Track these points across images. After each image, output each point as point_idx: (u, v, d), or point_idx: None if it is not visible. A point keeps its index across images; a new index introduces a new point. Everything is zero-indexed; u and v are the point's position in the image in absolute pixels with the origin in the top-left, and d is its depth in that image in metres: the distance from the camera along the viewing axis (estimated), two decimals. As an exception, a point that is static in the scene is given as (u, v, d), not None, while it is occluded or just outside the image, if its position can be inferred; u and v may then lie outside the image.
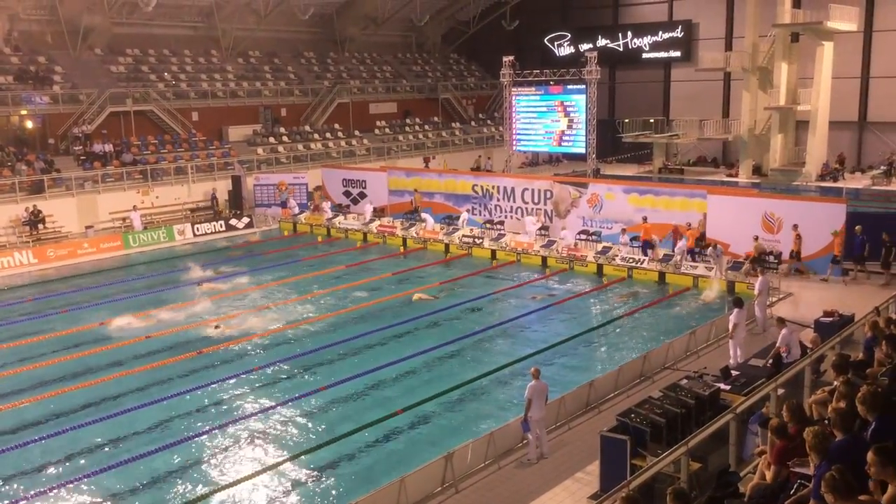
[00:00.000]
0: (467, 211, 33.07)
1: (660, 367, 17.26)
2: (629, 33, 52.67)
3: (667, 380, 15.65)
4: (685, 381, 13.39)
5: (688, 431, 11.38)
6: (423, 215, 33.26)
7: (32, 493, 12.88)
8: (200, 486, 13.06)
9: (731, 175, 43.62)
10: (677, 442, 10.41)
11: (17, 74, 37.40)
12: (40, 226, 32.65)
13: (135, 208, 34.26)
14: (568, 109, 38.26)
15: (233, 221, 36.07)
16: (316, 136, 46.35)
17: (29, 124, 37.62)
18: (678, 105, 50.84)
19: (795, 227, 24.98)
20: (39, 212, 32.79)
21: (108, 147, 37.45)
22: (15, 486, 13.26)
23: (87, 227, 33.86)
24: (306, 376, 17.91)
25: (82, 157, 36.45)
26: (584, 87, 37.66)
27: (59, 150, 37.24)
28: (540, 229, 29.83)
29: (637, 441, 11.63)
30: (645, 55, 52.20)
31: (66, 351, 19.79)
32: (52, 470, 13.75)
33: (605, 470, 11.89)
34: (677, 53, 50.84)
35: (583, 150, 38.64)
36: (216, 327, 21.03)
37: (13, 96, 36.22)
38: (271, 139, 44.40)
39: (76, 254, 31.08)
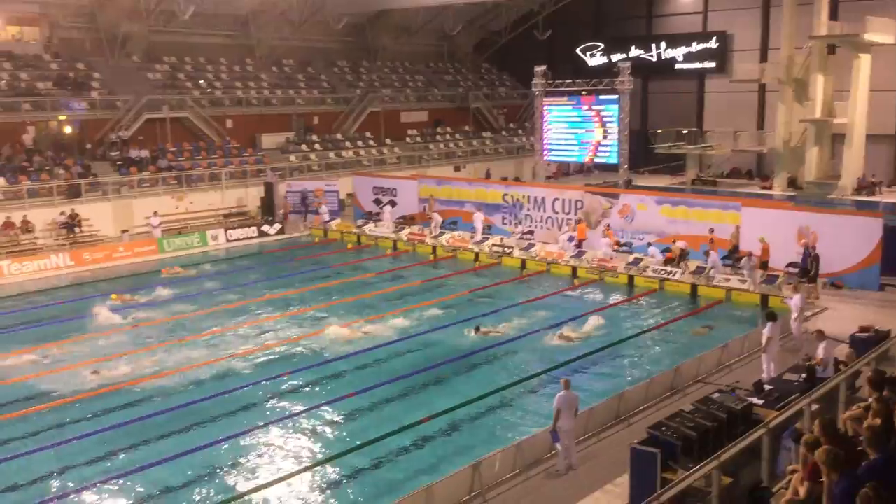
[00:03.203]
0: (480, 211, 32.92)
1: (691, 381, 17.08)
2: (663, 44, 52.41)
3: (698, 393, 15.46)
4: (717, 394, 13.24)
5: (719, 446, 11.23)
6: (433, 214, 33.83)
7: (73, 486, 13.12)
8: (226, 490, 13.16)
9: (765, 187, 43.17)
10: (708, 456, 10.29)
11: (57, 80, 38.15)
12: (77, 229, 33.20)
13: (155, 214, 34.51)
14: (605, 119, 38.11)
15: (265, 227, 36.39)
16: (347, 144, 46.67)
17: (67, 129, 38.32)
18: (712, 116, 50.45)
19: (762, 239, 24.96)
20: (76, 215, 33.34)
21: (145, 153, 38.03)
22: (61, 479, 13.51)
23: (123, 231, 34.35)
24: (334, 382, 17.96)
25: (119, 163, 37.03)
26: (616, 97, 37.52)
27: (96, 155, 37.86)
28: (574, 243, 29.46)
29: (667, 454, 11.50)
30: (678, 66, 51.90)
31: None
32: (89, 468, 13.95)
33: (635, 483, 11.77)
34: (711, 64, 50.48)
35: (614, 161, 38.46)
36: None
37: (52, 102, 36.94)
38: (303, 147, 44.77)
39: (112, 257, 31.53)
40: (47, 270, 29.72)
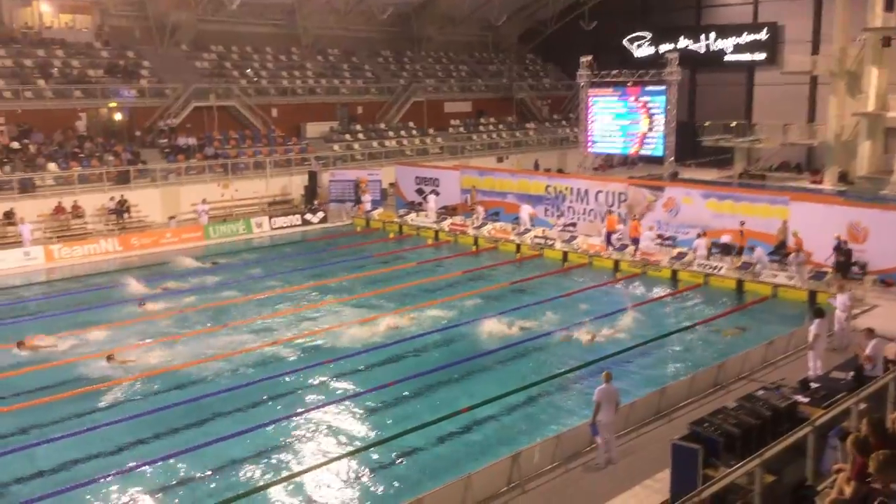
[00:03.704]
0: (528, 205, 32.93)
1: (735, 377, 16.85)
2: (712, 35, 51.57)
3: (742, 390, 15.25)
4: (762, 391, 13.02)
5: (763, 443, 11.05)
6: (477, 206, 34.00)
7: (115, 471, 13.39)
8: (264, 475, 13.32)
9: (815, 182, 42.26)
10: (751, 454, 10.13)
11: (107, 68, 38.87)
12: (125, 215, 33.87)
13: (204, 201, 35.03)
14: (651, 111, 37.64)
15: (308, 216, 36.71)
16: (391, 133, 46.81)
17: (117, 117, 39.04)
18: (761, 109, 49.53)
19: (742, 223, 25.90)
20: (125, 201, 34.00)
21: (192, 140, 38.61)
22: (113, 458, 13.83)
23: (170, 218, 34.95)
24: (374, 371, 18.09)
25: (167, 150, 37.65)
26: (663, 88, 37.04)
27: (145, 142, 38.53)
28: (617, 238, 29.18)
29: (709, 451, 11.35)
30: (727, 57, 51.03)
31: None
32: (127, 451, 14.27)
33: (676, 478, 11.64)
34: (761, 56, 49.53)
35: (660, 154, 37.99)
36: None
37: (103, 89, 37.67)
38: (347, 136, 45.02)
39: (159, 243, 32.10)
40: (96, 255, 30.36)
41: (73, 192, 33.36)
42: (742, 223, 26.72)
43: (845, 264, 23.77)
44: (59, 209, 32.45)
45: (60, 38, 39.41)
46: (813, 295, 22.71)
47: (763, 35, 49.30)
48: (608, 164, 50.88)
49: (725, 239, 26.74)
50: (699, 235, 27.10)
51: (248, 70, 43.97)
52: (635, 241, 28.52)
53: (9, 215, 31.14)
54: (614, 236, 29.10)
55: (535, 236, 30.84)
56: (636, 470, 13.02)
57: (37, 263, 29.02)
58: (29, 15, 39.46)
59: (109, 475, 13.26)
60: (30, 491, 12.78)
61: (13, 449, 14.25)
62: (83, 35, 40.31)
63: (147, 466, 13.58)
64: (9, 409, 16.02)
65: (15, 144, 34.19)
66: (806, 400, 13.08)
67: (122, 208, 33.78)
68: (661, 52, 46.62)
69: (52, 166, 33.68)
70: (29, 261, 28.99)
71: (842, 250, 23.82)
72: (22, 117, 35.34)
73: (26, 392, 16.82)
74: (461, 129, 50.23)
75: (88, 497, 12.62)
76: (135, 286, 25.20)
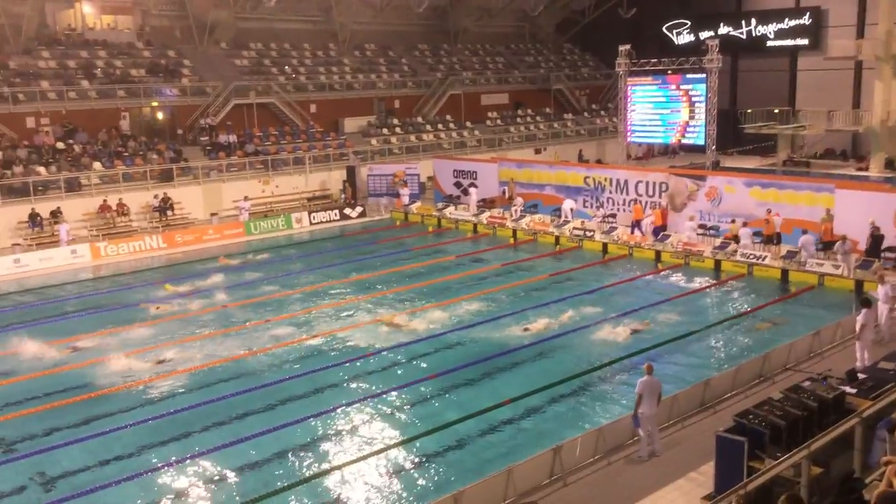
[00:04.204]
0: (573, 200, 32.79)
1: (780, 368, 16.59)
2: (753, 20, 50.70)
3: (788, 381, 15.04)
4: (808, 382, 12.83)
5: (809, 435, 10.91)
6: (516, 198, 33.96)
7: (159, 464, 13.63)
8: (309, 467, 13.47)
9: (861, 169, 41.39)
10: (798, 445, 10.01)
11: (149, 68, 39.48)
12: (169, 212, 34.41)
13: (245, 198, 35.39)
14: (693, 99, 37.15)
15: (346, 210, 36.92)
16: (428, 127, 46.85)
17: (160, 115, 39.65)
18: (805, 95, 48.59)
19: (769, 211, 26.31)
20: (168, 199, 34.55)
21: (233, 138, 39.06)
22: (156, 451, 14.09)
23: (212, 214, 35.43)
24: (413, 365, 18.15)
25: (208, 148, 38.14)
26: (703, 76, 36.50)
27: (187, 140, 39.08)
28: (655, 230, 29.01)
29: (755, 443, 11.23)
30: (770, 43, 50.16)
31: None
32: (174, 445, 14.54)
33: (721, 471, 11.54)
34: (804, 41, 48.58)
35: (701, 142, 37.49)
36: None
37: (145, 89, 38.27)
38: (385, 130, 45.17)
39: (202, 239, 32.58)
40: (141, 252, 30.92)
41: (118, 191, 33.99)
42: (769, 211, 26.54)
43: (874, 250, 23.77)
44: (104, 207, 33.09)
45: (103, 38, 40.11)
46: (860, 284, 22.26)
47: (806, 20, 48.34)
48: (649, 154, 50.36)
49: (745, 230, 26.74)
50: (744, 224, 26.76)
51: (287, 67, 44.30)
52: (656, 230, 28.73)
53: (55, 214, 31.82)
54: (644, 223, 28.99)
55: (575, 228, 30.66)
56: (680, 462, 12.90)
57: (84, 261, 29.65)
58: (72, 17, 40.22)
59: (167, 466, 13.54)
60: (111, 473, 13.09)
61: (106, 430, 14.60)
62: (125, 35, 40.97)
63: (202, 458, 13.81)
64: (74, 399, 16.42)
65: (60, 144, 34.93)
66: (853, 391, 12.86)
67: (165, 206, 34.34)
68: (701, 38, 45.88)
69: (96, 165, 34.34)
70: (76, 258, 29.63)
71: (873, 236, 23.76)
72: (67, 118, 36.07)
73: (77, 387, 17.19)
74: (498, 122, 50.07)
75: (144, 485, 12.92)
76: (173, 280, 25.61)
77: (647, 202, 30.94)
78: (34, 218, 31.09)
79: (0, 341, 20.50)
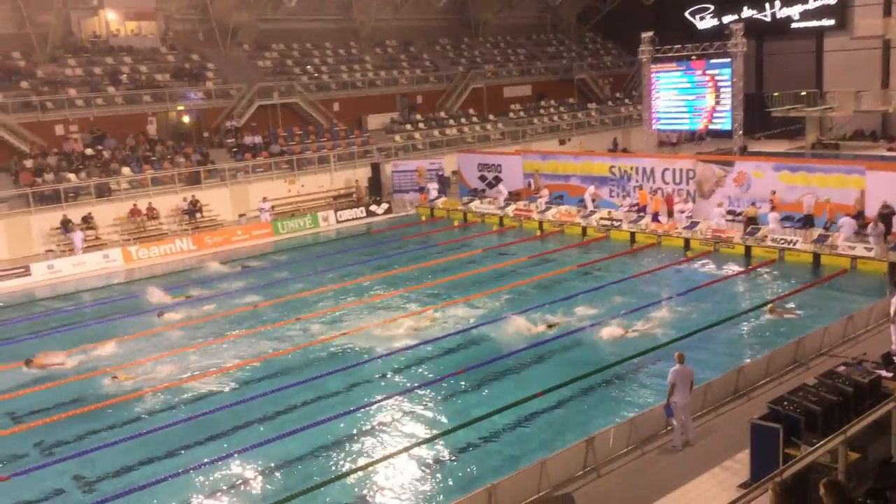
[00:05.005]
0: (592, 185, 32.72)
1: (814, 354, 16.41)
2: (777, 2, 49.89)
3: (822, 366, 14.87)
4: (842, 367, 12.69)
5: (845, 421, 10.79)
6: (542, 190, 33.95)
7: (206, 460, 13.83)
8: (342, 462, 13.57)
9: (892, 149, 40.67)
10: (833, 431, 9.90)
11: (174, 72, 39.86)
12: (198, 214, 34.77)
13: (264, 199, 35.57)
14: (719, 84, 36.77)
15: (372, 207, 37.06)
16: (451, 121, 46.83)
17: (186, 119, 40.04)
18: (832, 76, 47.79)
19: (773, 192, 26.89)
20: (197, 201, 34.90)
21: (258, 139, 39.34)
22: (201, 448, 14.28)
23: (240, 215, 35.74)
24: (443, 359, 18.19)
25: (234, 150, 38.46)
26: (728, 61, 36.11)
27: (213, 142, 39.43)
28: (686, 216, 28.84)
29: (790, 429, 11.14)
30: (795, 24, 49.36)
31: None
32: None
33: (756, 458, 11.47)
34: (830, 22, 47.77)
35: (728, 128, 37.09)
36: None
37: (171, 93, 38.65)
38: (408, 126, 45.23)
39: (230, 240, 32.90)
40: (172, 254, 31.29)
41: (148, 195, 34.39)
42: (773, 192, 27.01)
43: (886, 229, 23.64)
44: (134, 211, 33.51)
45: (127, 45, 40.56)
46: (893, 266, 21.96)
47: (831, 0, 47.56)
48: (676, 142, 49.92)
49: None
50: (772, 209, 26.50)
51: (309, 66, 44.50)
52: (655, 216, 29.06)
53: (87, 219, 32.27)
54: (684, 214, 28.75)
55: (601, 218, 30.51)
56: (714, 451, 12.83)
57: (116, 265, 30.07)
58: (96, 24, 40.72)
59: (208, 462, 13.74)
60: (151, 473, 13.32)
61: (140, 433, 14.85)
62: (149, 41, 41.41)
63: (241, 455, 13.97)
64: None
65: (89, 151, 35.42)
66: (889, 375, 12.72)
67: (194, 208, 34.70)
68: (725, 22, 45.36)
69: (125, 170, 34.78)
70: (108, 263, 30.06)
71: (882, 216, 23.66)
72: (95, 124, 36.55)
73: (114, 389, 17.46)
74: (521, 114, 49.91)
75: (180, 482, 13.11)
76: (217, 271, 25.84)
77: (674, 190, 30.71)
78: (66, 224, 31.55)
79: (42, 346, 20.76)
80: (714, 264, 25.02)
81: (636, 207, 30.37)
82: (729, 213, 28.13)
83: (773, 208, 26.69)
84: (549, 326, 19.45)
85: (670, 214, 29.59)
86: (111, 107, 37.00)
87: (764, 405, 12.05)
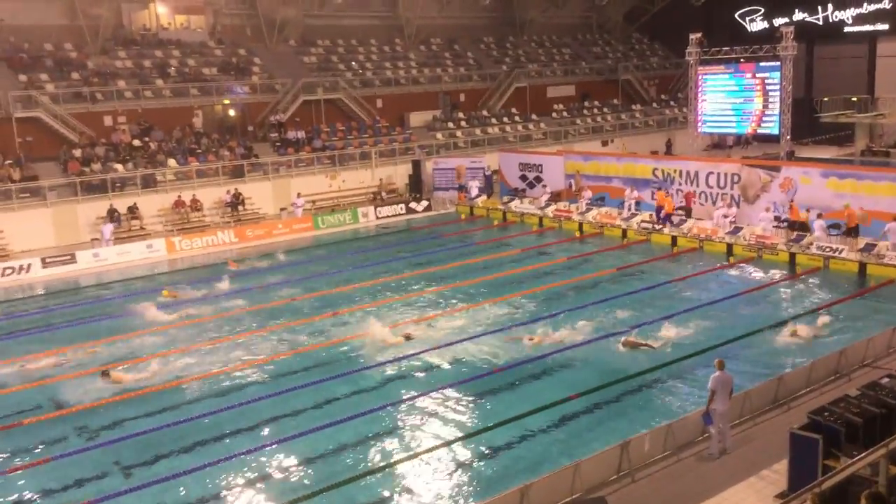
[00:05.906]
0: (633, 190, 32.33)
1: (857, 365, 16.07)
2: (830, 5, 48.96)
3: (865, 378, 14.54)
4: (886, 379, 12.40)
5: (887, 433, 10.55)
6: (585, 191, 33.57)
7: (233, 454, 13.93)
8: (375, 459, 13.62)
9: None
10: (875, 444, 9.69)
11: (221, 66, 40.36)
12: (240, 207, 35.18)
13: (299, 195, 35.81)
14: (768, 88, 36.15)
15: (412, 205, 37.15)
16: (493, 120, 46.73)
17: (231, 113, 40.54)
18: (885, 82, 46.74)
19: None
20: (240, 194, 35.32)
21: (301, 134, 39.68)
22: (220, 443, 14.44)
23: (282, 209, 36.09)
24: (483, 357, 18.16)
25: (277, 144, 38.84)
26: (777, 64, 35.50)
27: (257, 136, 39.87)
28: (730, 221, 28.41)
29: (830, 441, 10.91)
30: (847, 29, 48.39)
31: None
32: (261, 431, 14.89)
33: (795, 469, 11.25)
34: (884, 26, 46.72)
35: (775, 132, 36.47)
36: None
37: (217, 87, 39.15)
38: (450, 124, 45.24)
39: (271, 234, 33.24)
40: (214, 246, 31.71)
41: (192, 187, 34.89)
42: (791, 201, 27.11)
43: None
44: (178, 203, 34.03)
45: (176, 38, 41.19)
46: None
47: (886, 4, 46.43)
48: (725, 145, 49.27)
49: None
50: (818, 216, 25.95)
51: (353, 63, 44.75)
52: (659, 214, 29.17)
53: (132, 209, 32.86)
54: (727, 219, 28.33)
55: (643, 221, 30.20)
56: (751, 460, 12.63)
57: (159, 255, 30.57)
58: (146, 17, 41.42)
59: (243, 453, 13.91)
60: (188, 461, 13.54)
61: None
62: (197, 35, 41.99)
63: (279, 445, 14.11)
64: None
65: (137, 142, 36.04)
66: (936, 389, 12.37)
67: (237, 201, 35.11)
68: (775, 25, 44.58)
69: (171, 162, 35.32)
70: (152, 252, 30.57)
71: None
72: (143, 116, 37.16)
73: (153, 378, 17.75)
74: (564, 114, 49.61)
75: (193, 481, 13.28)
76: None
77: (718, 194, 30.28)
78: (112, 213, 32.15)
79: (88, 332, 21.18)
80: (758, 271, 24.59)
81: (655, 209, 30.32)
82: (776, 219, 27.62)
83: (818, 215, 26.17)
84: (581, 325, 19.31)
85: (689, 214, 29.90)
86: (159, 99, 37.62)
87: (804, 415, 11.82)
